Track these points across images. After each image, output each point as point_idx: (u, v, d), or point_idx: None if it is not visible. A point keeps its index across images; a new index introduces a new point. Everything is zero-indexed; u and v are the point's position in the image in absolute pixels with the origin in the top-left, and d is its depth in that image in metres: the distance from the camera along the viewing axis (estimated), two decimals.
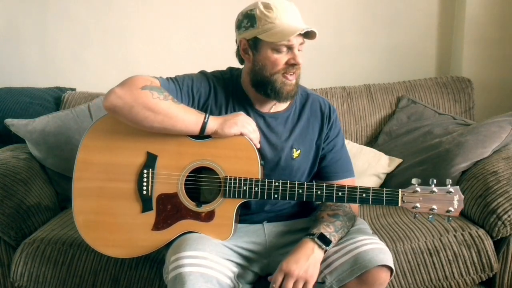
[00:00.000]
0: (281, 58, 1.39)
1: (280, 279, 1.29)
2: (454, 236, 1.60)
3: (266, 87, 1.42)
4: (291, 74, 1.41)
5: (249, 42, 1.42)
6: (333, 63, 2.58)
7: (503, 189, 1.63)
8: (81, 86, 2.54)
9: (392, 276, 1.30)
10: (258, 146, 1.42)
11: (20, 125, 2.09)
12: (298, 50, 1.41)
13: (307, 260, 1.29)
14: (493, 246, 1.59)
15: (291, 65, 1.40)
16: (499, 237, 1.61)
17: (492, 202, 1.62)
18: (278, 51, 1.38)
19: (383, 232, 1.67)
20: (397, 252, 1.57)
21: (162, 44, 2.61)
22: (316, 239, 1.32)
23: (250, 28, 1.40)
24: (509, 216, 1.58)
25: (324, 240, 1.32)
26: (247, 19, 1.41)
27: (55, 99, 2.42)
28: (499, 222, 1.59)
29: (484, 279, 1.61)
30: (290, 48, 1.39)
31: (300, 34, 1.38)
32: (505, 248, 1.62)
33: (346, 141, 2.17)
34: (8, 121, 2.12)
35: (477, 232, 1.60)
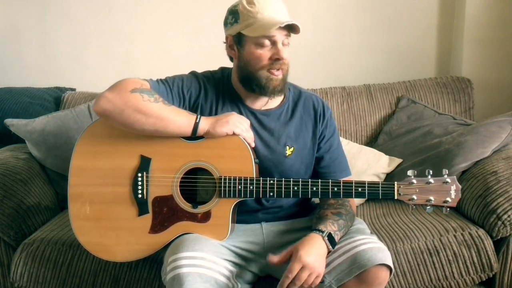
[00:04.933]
0: (265, 53, 1.39)
1: (298, 269, 1.26)
2: (454, 236, 1.59)
3: (252, 83, 1.42)
4: (277, 70, 1.40)
5: (234, 38, 1.43)
6: (333, 63, 2.58)
7: (503, 189, 1.63)
8: (81, 86, 2.54)
9: (392, 275, 1.30)
10: (253, 145, 1.42)
11: (20, 125, 2.09)
12: (284, 45, 1.40)
13: (319, 255, 1.28)
14: (493, 246, 1.59)
15: (276, 60, 1.39)
16: (499, 237, 1.61)
17: (492, 202, 1.62)
18: (261, 46, 1.38)
19: (383, 232, 1.67)
20: (397, 252, 1.57)
21: (162, 44, 2.61)
22: (325, 238, 1.31)
23: (234, 24, 1.41)
24: (509, 216, 1.58)
25: (332, 241, 1.32)
26: (232, 15, 1.42)
27: (55, 99, 2.42)
28: (499, 222, 1.59)
29: (484, 279, 1.61)
30: (273, 42, 1.38)
31: (283, 28, 1.37)
32: (505, 248, 1.62)
33: (346, 141, 2.18)
34: (8, 121, 2.12)
35: (477, 232, 1.60)
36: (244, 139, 1.38)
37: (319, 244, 1.30)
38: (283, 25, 1.35)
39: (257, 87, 1.42)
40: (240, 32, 1.40)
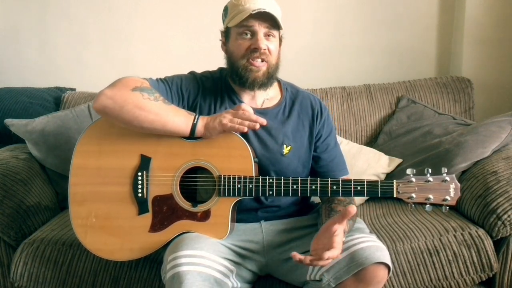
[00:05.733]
0: (244, 43, 1.43)
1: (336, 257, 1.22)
2: (454, 236, 1.59)
3: (233, 74, 1.46)
4: (257, 60, 1.42)
5: (224, 33, 1.49)
6: (333, 63, 2.58)
7: (503, 189, 1.63)
8: (81, 86, 2.54)
9: (390, 273, 1.30)
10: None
11: (20, 125, 2.09)
12: (269, 39, 1.43)
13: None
14: (493, 246, 1.59)
15: (254, 49, 1.41)
16: (499, 237, 1.61)
17: (492, 202, 1.62)
18: (241, 36, 1.42)
19: (383, 232, 1.67)
20: (397, 252, 1.57)
21: (162, 44, 2.61)
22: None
23: (225, 19, 1.47)
24: (509, 216, 1.58)
25: None
26: (224, 12, 1.49)
27: (55, 99, 2.42)
28: (499, 222, 1.59)
29: (484, 279, 1.60)
30: (253, 33, 1.42)
31: (264, 21, 1.40)
32: (505, 248, 1.62)
33: (346, 141, 2.18)
34: (8, 121, 2.12)
35: (477, 232, 1.60)
36: (239, 136, 1.37)
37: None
38: (254, 12, 1.38)
39: (237, 77, 1.45)
40: (227, 26, 1.45)
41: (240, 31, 1.41)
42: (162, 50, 2.61)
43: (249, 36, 1.42)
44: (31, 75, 2.65)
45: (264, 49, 1.42)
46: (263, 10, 1.38)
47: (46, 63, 2.65)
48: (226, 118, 1.35)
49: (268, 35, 1.43)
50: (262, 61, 1.43)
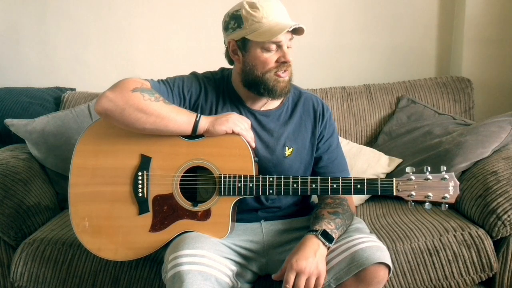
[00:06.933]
0: (271, 57, 1.40)
1: (292, 277, 1.28)
2: (454, 236, 1.60)
3: (259, 86, 1.43)
4: (283, 71, 1.41)
5: (238, 43, 1.43)
6: (333, 63, 2.58)
7: (503, 189, 1.63)
8: (81, 86, 2.55)
9: (390, 274, 1.30)
10: (253, 145, 1.43)
11: (20, 125, 2.09)
12: (288, 47, 1.41)
13: (315, 256, 1.29)
14: (493, 246, 1.59)
15: (282, 63, 1.40)
16: (499, 237, 1.61)
17: (492, 202, 1.62)
18: (267, 50, 1.39)
19: (383, 232, 1.67)
20: (397, 252, 1.57)
21: (162, 44, 2.61)
22: (319, 236, 1.32)
23: (238, 29, 1.41)
24: (509, 216, 1.59)
25: (327, 237, 1.32)
26: (234, 20, 1.41)
27: (55, 99, 2.42)
28: (499, 222, 1.59)
29: (484, 279, 1.61)
30: (279, 46, 1.39)
31: (289, 32, 1.38)
32: (505, 248, 1.62)
33: (346, 141, 2.18)
34: (8, 121, 2.12)
35: (477, 232, 1.60)
36: (244, 137, 1.39)
37: (314, 244, 1.31)
38: (290, 29, 1.36)
39: (265, 91, 1.43)
40: (244, 37, 1.40)
41: (268, 45, 1.38)
42: (162, 50, 2.61)
43: (274, 48, 1.40)
44: (31, 75, 2.65)
45: (291, 61, 1.41)
46: (298, 26, 1.36)
47: (46, 63, 2.65)
48: (238, 127, 1.38)
49: (288, 45, 1.42)
50: (285, 71, 1.43)
